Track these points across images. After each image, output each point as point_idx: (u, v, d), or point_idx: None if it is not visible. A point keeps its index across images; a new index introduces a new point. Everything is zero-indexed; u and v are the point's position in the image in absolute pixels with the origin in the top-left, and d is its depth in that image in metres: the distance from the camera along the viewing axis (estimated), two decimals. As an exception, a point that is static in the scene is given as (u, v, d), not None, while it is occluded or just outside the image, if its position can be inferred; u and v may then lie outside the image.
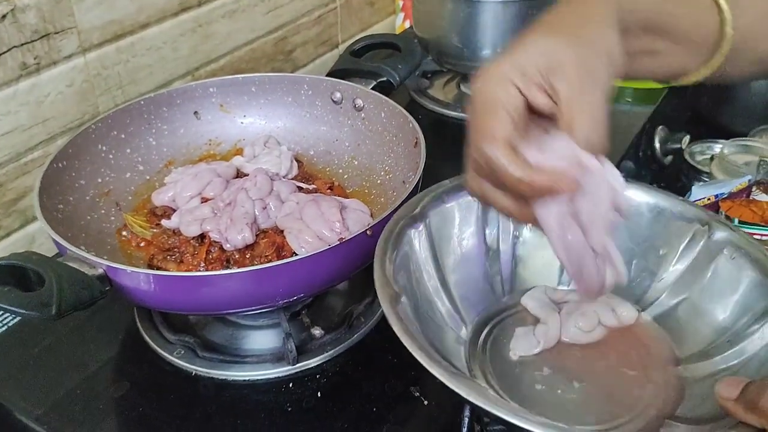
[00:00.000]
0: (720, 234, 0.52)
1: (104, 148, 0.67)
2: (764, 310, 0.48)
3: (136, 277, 0.49)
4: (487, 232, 0.56)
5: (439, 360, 0.41)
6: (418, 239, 0.52)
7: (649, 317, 0.54)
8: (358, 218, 0.61)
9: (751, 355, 0.47)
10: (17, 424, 0.55)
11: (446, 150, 0.88)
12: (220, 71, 0.99)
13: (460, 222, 0.55)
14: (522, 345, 0.51)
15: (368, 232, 0.52)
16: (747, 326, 0.48)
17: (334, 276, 0.53)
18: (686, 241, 0.54)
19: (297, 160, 0.72)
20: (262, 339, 0.61)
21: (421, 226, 0.52)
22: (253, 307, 0.53)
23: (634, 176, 0.88)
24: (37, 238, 0.83)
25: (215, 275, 0.48)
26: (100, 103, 0.85)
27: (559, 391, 0.48)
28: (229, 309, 0.54)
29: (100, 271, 0.49)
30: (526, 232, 0.57)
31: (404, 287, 0.48)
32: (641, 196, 0.56)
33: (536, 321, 0.53)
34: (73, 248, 0.49)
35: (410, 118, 0.65)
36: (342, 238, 0.50)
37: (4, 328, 0.62)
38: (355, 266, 0.54)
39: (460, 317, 0.53)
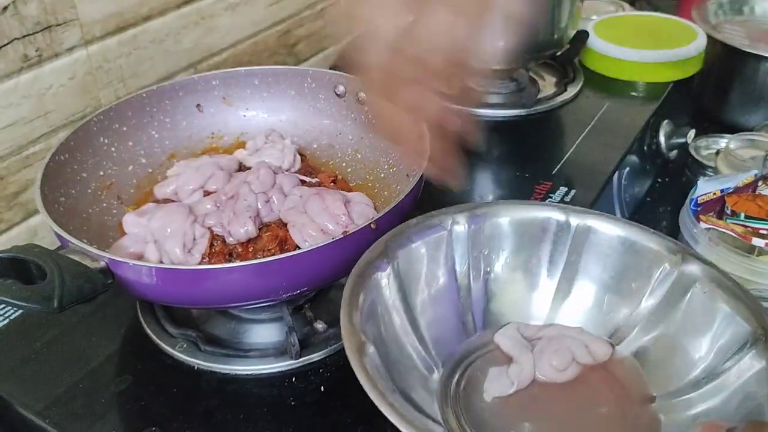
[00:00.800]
0: (691, 267, 0.51)
1: (106, 140, 0.67)
2: (739, 346, 0.47)
3: (139, 270, 0.48)
4: (457, 269, 0.56)
5: (409, 416, 0.41)
6: (386, 281, 0.51)
7: (625, 352, 0.53)
8: (362, 211, 0.61)
9: (730, 393, 0.46)
10: (19, 418, 0.55)
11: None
12: (222, 64, 0.98)
13: (429, 260, 0.55)
14: (495, 386, 0.50)
15: (372, 225, 0.51)
16: (722, 362, 0.47)
17: (337, 270, 0.53)
18: (658, 274, 0.53)
19: (300, 154, 0.72)
20: (265, 333, 0.60)
21: (389, 269, 0.51)
22: (256, 301, 0.53)
23: (638, 170, 0.88)
24: (39, 231, 0.83)
25: (217, 268, 0.48)
26: (102, 96, 0.85)
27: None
28: (232, 303, 0.54)
29: (102, 264, 0.49)
30: (497, 267, 0.57)
31: (373, 334, 0.47)
32: (612, 229, 0.55)
33: (509, 360, 0.52)
34: (75, 241, 0.49)
35: (415, 113, 0.65)
36: (346, 232, 0.49)
37: (5, 322, 0.62)
38: (358, 260, 0.54)
39: (432, 359, 0.52)
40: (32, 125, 0.78)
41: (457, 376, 0.52)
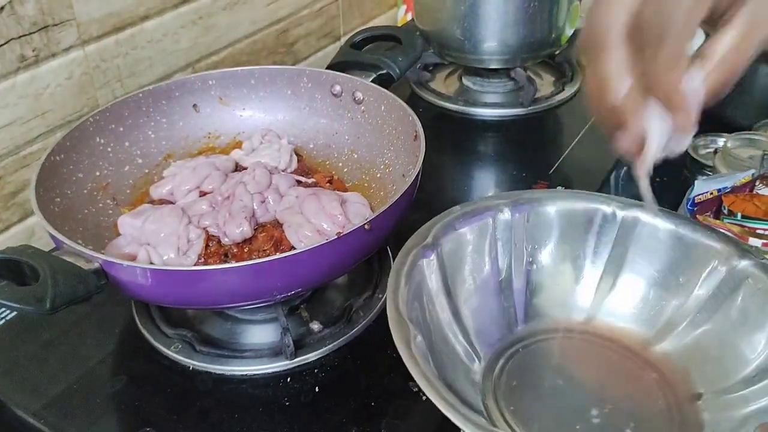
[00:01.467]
0: (744, 263, 0.51)
1: (102, 141, 0.67)
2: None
3: (132, 271, 0.48)
4: (500, 258, 0.55)
5: (458, 406, 0.41)
6: (430, 269, 0.50)
7: (670, 347, 0.52)
8: (358, 212, 0.61)
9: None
10: (15, 419, 0.55)
11: (446, 143, 0.88)
12: (221, 63, 0.98)
13: (473, 248, 0.54)
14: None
15: (366, 226, 0.51)
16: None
17: (332, 270, 0.53)
18: (708, 269, 0.52)
19: (296, 154, 0.72)
20: (261, 333, 0.60)
21: (433, 255, 0.51)
22: (251, 302, 0.53)
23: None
24: (37, 231, 0.83)
25: (212, 269, 0.48)
26: (99, 96, 0.85)
27: (578, 427, 0.48)
28: (226, 303, 0.54)
29: (96, 265, 0.49)
30: (541, 258, 0.56)
31: (417, 321, 0.46)
32: (660, 222, 0.55)
33: (551, 357, 0.52)
34: (69, 242, 0.49)
35: (410, 111, 0.65)
36: (340, 233, 0.49)
37: (1, 322, 0.62)
38: (353, 261, 0.54)
39: (474, 350, 0.52)
40: (29, 125, 0.78)
41: (498, 368, 0.52)
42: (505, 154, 0.87)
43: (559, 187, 0.76)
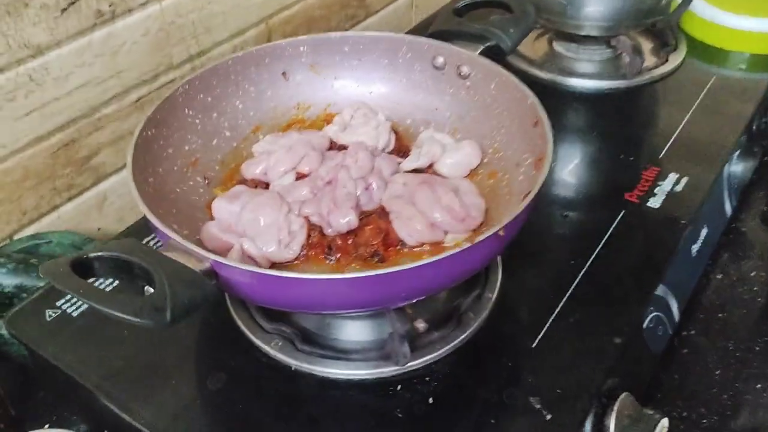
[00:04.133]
0: None
1: (191, 112, 0.62)
2: None
3: (250, 275, 0.44)
4: None
5: None
6: None
7: None
8: (472, 203, 0.56)
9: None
10: (107, 413, 0.52)
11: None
12: (293, 18, 0.93)
13: None
14: None
15: (501, 232, 0.46)
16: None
17: (459, 278, 0.48)
18: None
19: (393, 131, 0.66)
20: (361, 330, 0.56)
21: None
22: (368, 309, 0.49)
23: (746, 152, 0.81)
24: (109, 196, 0.79)
25: (342, 279, 0.43)
26: (174, 53, 0.80)
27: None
28: (343, 309, 0.50)
29: (207, 265, 0.44)
30: None
31: None
32: None
33: None
34: (180, 240, 0.45)
35: (528, 92, 0.59)
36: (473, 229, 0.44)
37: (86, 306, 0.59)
38: (480, 267, 0.49)
39: None
40: (105, 85, 0.74)
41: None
42: (605, 132, 0.80)
43: (663, 182, 0.70)
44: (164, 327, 0.40)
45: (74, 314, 0.59)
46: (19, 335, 0.58)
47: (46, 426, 0.61)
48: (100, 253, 0.43)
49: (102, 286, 0.59)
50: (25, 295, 0.64)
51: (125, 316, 0.39)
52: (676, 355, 0.69)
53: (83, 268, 0.43)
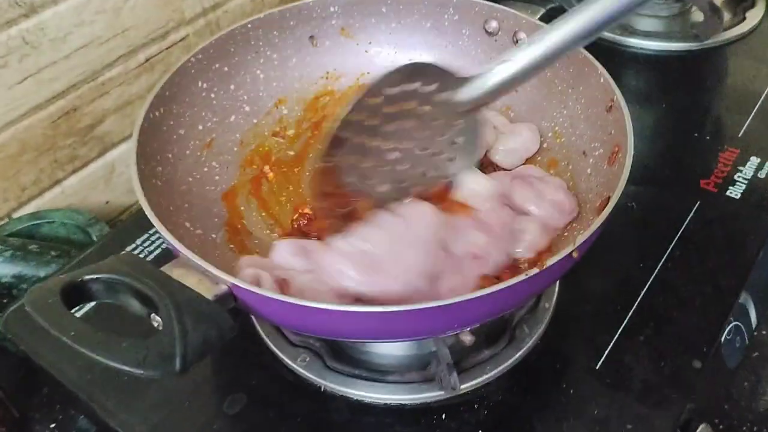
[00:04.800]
0: None
1: (205, 85, 0.54)
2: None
3: (273, 303, 0.37)
4: None
5: None
6: None
7: None
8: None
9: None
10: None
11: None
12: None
13: None
14: None
15: (574, 254, 0.39)
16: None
17: (518, 303, 0.41)
18: None
19: (436, 107, 0.58)
20: (401, 345, 0.49)
21: None
22: (419, 338, 0.42)
23: None
24: (117, 167, 0.72)
25: (391, 312, 0.36)
26: (185, 7, 0.71)
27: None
28: (389, 339, 0.43)
29: (224, 288, 0.37)
30: None
31: None
32: None
33: None
34: (193, 257, 0.37)
35: (602, 70, 0.50)
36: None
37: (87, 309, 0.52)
38: (545, 288, 0.42)
39: None
40: (108, 46, 0.65)
41: None
42: (673, 104, 0.71)
43: (743, 167, 0.61)
44: (173, 375, 0.33)
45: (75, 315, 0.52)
46: (17, 340, 0.52)
47: (52, 426, 0.56)
48: (95, 276, 0.36)
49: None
50: (24, 285, 0.58)
51: (126, 368, 0.32)
52: (746, 360, 0.62)
53: (77, 292, 0.36)
